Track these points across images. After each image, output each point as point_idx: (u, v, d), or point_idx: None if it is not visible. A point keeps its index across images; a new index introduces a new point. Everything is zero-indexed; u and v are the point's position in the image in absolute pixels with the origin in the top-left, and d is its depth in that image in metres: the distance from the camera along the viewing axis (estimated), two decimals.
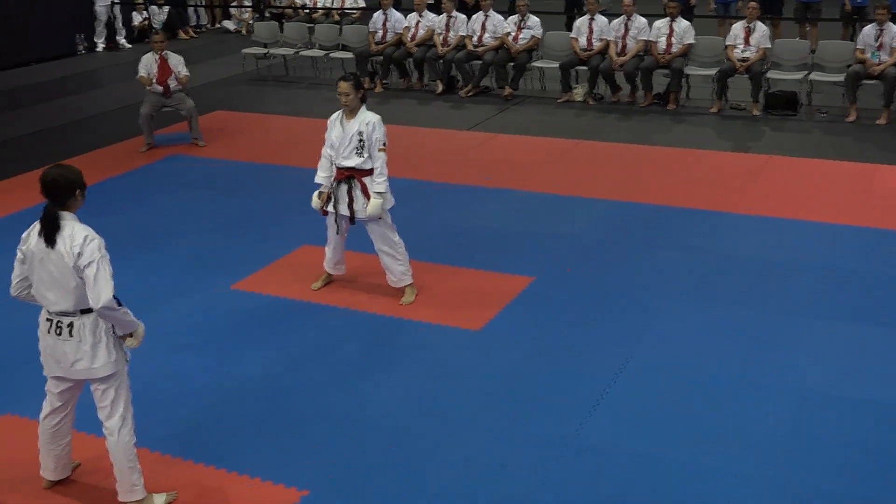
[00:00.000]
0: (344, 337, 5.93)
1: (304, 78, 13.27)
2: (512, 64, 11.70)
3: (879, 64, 10.07)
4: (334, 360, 5.63)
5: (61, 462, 4.36)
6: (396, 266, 6.32)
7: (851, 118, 10.24)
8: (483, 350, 5.70)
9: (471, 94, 11.92)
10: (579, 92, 11.50)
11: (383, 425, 4.94)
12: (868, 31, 10.25)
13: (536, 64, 11.78)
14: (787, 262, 6.76)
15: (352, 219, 6.23)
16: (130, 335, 4.07)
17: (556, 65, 11.53)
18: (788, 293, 6.30)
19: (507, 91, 11.70)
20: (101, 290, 3.84)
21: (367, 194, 6.13)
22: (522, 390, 5.24)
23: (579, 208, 7.97)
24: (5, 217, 7.73)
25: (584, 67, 11.39)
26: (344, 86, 6.10)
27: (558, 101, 11.52)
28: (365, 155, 6.09)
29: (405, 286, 6.38)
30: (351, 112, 6.13)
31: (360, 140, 6.08)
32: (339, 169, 6.18)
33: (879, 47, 10.14)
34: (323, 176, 6.27)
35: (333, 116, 6.24)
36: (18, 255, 4.09)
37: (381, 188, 6.11)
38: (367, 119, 6.11)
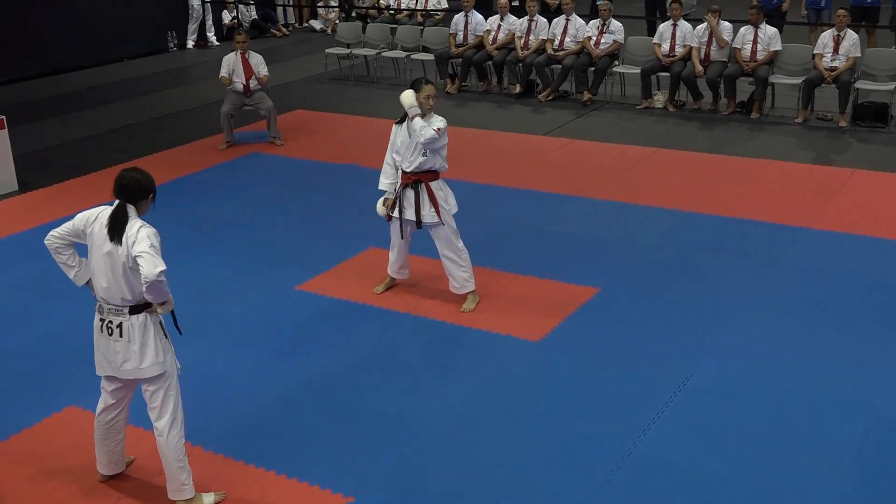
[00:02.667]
0: (403, 342, 5.92)
1: (386, 78, 13.31)
2: (592, 69, 11.52)
3: None
4: (393, 366, 5.61)
5: (115, 457, 4.44)
6: (459, 272, 6.27)
7: None
8: (542, 361, 5.62)
9: (550, 98, 11.79)
10: (660, 98, 11.28)
11: (438, 432, 4.91)
12: None
13: (617, 69, 11.58)
14: (864, 280, 6.51)
15: (418, 223, 6.20)
16: (163, 304, 4.09)
17: (637, 70, 11.31)
18: (864, 312, 6.06)
19: (587, 96, 11.54)
20: (154, 265, 3.87)
21: (433, 199, 6.09)
22: (581, 402, 5.15)
23: (652, 218, 7.79)
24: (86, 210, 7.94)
25: (666, 74, 11.15)
26: (432, 89, 6.04)
27: (638, 107, 11.31)
28: (428, 154, 6.05)
29: (467, 293, 6.32)
30: (424, 115, 6.08)
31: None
32: (405, 174, 6.15)
33: None
34: (387, 182, 6.26)
35: (398, 122, 6.20)
36: (80, 224, 4.14)
37: (440, 124, 5.97)
38: (436, 124, 6.05)
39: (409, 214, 6.20)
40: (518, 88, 11.99)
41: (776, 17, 12.57)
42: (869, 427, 4.82)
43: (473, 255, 6.35)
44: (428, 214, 6.13)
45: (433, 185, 6.11)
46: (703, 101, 11.14)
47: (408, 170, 6.13)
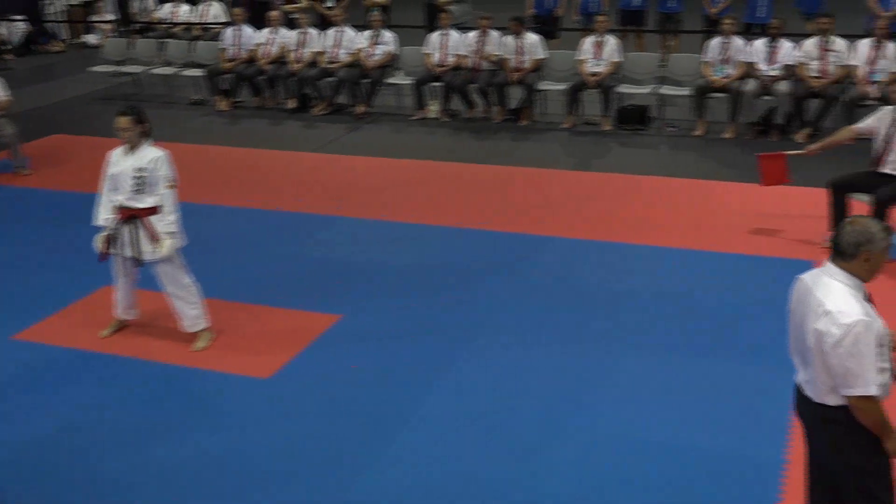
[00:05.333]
0: (126, 393, 5.51)
1: (157, 97, 12.72)
2: (366, 80, 11.36)
3: (724, 78, 10.00)
4: (111, 421, 5.20)
5: None
6: (189, 310, 5.93)
7: (699, 132, 10.18)
8: (270, 400, 5.35)
9: (324, 111, 11.55)
10: (434, 108, 11.23)
11: (157, 494, 4.55)
12: (714, 44, 10.19)
13: (391, 80, 11.47)
14: (620, 291, 6.54)
15: (139, 261, 5.81)
16: None
17: (411, 81, 11.24)
18: (618, 325, 6.06)
19: (361, 108, 11.37)
20: None
21: (153, 235, 5.72)
22: (301, 446, 4.91)
23: (410, 235, 7.68)
24: None
25: (439, 83, 11.12)
26: (122, 121, 5.67)
27: (413, 118, 11.24)
28: (146, 193, 5.68)
29: (200, 330, 5.99)
30: (132, 148, 5.71)
31: (141, 178, 5.66)
32: (121, 208, 5.75)
33: (725, 61, 10.08)
34: (104, 216, 5.84)
35: (114, 152, 5.81)
36: None
37: (172, 227, 5.71)
38: (150, 155, 5.69)
39: (128, 251, 5.81)
40: (292, 103, 11.69)
41: (550, 24, 12.78)
42: (609, 452, 4.78)
43: (213, 287, 6.07)
44: (148, 251, 5.75)
45: (152, 219, 5.74)
46: (475, 109, 11.16)
47: (123, 205, 5.73)
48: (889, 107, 6.92)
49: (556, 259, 7.15)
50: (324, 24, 12.39)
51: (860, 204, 6.95)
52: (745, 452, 4.70)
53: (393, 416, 5.15)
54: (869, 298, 3.39)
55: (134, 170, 5.66)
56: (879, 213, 6.65)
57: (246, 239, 7.69)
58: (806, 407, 3.54)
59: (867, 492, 3.48)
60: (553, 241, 7.47)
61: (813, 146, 7.28)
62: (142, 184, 5.67)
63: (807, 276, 3.50)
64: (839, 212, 6.99)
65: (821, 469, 3.64)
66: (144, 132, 5.75)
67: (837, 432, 3.41)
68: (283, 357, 5.78)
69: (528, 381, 5.45)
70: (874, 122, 6.96)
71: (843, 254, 3.34)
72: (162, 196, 5.68)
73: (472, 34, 11.06)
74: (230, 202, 8.56)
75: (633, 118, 10.53)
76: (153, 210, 5.73)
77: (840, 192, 6.95)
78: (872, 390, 3.26)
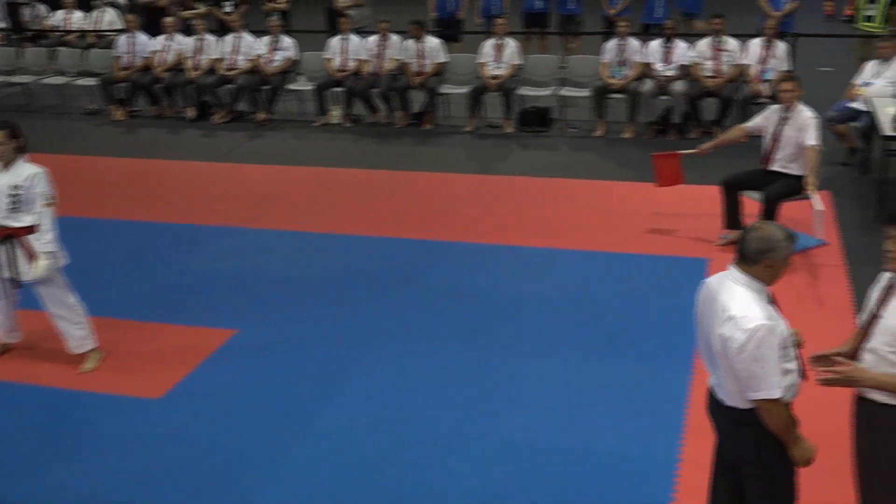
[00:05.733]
0: (11, 419, 5.25)
1: (49, 107, 12.29)
2: (266, 87, 11.17)
3: (621, 80, 10.11)
4: None
5: None
6: (74, 330, 5.70)
7: (600, 133, 10.28)
8: (161, 420, 5.17)
9: (224, 119, 11.32)
10: (336, 114, 11.11)
11: None
12: (611, 46, 10.30)
13: (292, 86, 11.31)
14: (522, 295, 6.52)
15: (17, 281, 5.56)
16: None
17: (313, 86, 11.10)
18: (521, 330, 6.03)
19: (262, 115, 11.17)
20: None
21: (31, 254, 5.48)
22: (195, 465, 4.75)
23: (317, 246, 7.53)
24: None
25: (340, 88, 11.00)
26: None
27: (314, 124, 11.09)
28: (23, 212, 5.44)
29: (87, 351, 5.77)
30: (6, 164, 5.46)
31: (17, 196, 5.42)
32: None
33: (622, 63, 10.19)
34: None
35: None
36: None
37: (50, 248, 5.47)
38: (25, 172, 5.45)
39: (6, 272, 5.55)
40: (191, 111, 11.43)
41: (452, 27, 12.76)
42: (510, 459, 4.74)
43: (101, 305, 5.89)
44: (26, 272, 5.51)
45: (30, 237, 5.49)
46: (378, 114, 11.08)
47: (0, 223, 5.48)
48: (776, 105, 7.06)
49: (459, 265, 7.12)
50: (222, 29, 12.14)
51: (752, 202, 7.09)
52: (641, 453, 4.72)
53: (291, 429, 5.03)
54: (772, 300, 3.40)
55: (9, 188, 5.41)
56: (769, 209, 6.78)
57: (139, 253, 7.46)
58: (718, 410, 3.54)
59: (772, 492, 3.50)
60: (456, 246, 7.44)
61: (705, 145, 7.40)
62: (17, 202, 5.42)
63: (711, 281, 3.50)
64: (732, 209, 7.11)
65: (729, 470, 3.64)
66: (19, 147, 5.50)
67: (749, 434, 3.41)
68: (175, 376, 5.60)
69: (430, 388, 5.39)
70: (762, 120, 7.09)
71: (747, 259, 3.35)
72: (39, 214, 5.44)
73: (373, 38, 10.98)
74: (123, 216, 8.30)
75: (535, 120, 10.58)
76: (31, 229, 5.49)
77: (732, 191, 7.07)
78: (776, 393, 3.27)
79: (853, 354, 3.56)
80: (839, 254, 6.95)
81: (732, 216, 7.11)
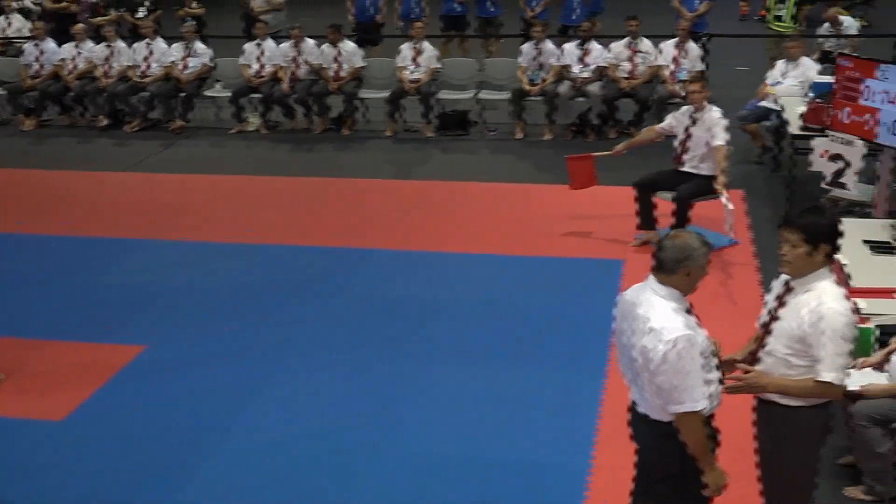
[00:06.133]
0: None
1: None
2: (181, 94, 10.94)
3: (538, 84, 10.12)
4: None
5: None
6: None
7: (518, 135, 10.29)
8: (64, 443, 4.99)
9: (138, 128, 11.06)
10: (253, 121, 10.93)
11: None
12: (527, 49, 10.31)
13: (207, 93, 11.10)
14: (440, 302, 6.46)
15: None
16: None
17: (228, 93, 10.91)
18: (438, 337, 5.97)
19: (177, 124, 10.94)
20: None
21: None
22: (99, 488, 4.59)
23: (232, 256, 7.36)
24: None
25: (257, 95, 10.83)
26: None
27: (232, 131, 10.90)
28: None
29: None
30: None
31: None
32: None
33: (539, 66, 10.21)
34: None
35: None
36: None
37: None
38: None
39: None
40: (103, 120, 11.14)
41: (372, 30, 12.66)
42: (418, 470, 4.67)
43: (10, 323, 5.65)
44: None
45: None
46: (296, 120, 10.94)
47: None
48: (686, 106, 7.13)
49: (377, 272, 7.04)
50: (134, 36, 11.86)
51: (666, 202, 7.14)
52: (552, 461, 4.70)
53: (199, 447, 4.90)
54: (691, 310, 3.37)
55: None
56: (681, 209, 6.85)
57: (41, 269, 7.20)
58: (641, 424, 3.45)
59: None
60: (374, 253, 7.36)
61: (618, 147, 7.43)
62: None
63: (629, 293, 3.44)
64: (646, 210, 7.16)
65: (652, 484, 3.53)
66: None
67: (675, 446, 3.33)
68: (79, 396, 5.41)
69: (342, 400, 5.31)
70: (673, 121, 7.16)
71: (664, 269, 3.29)
72: None
73: (288, 44, 10.83)
74: (31, 230, 8.03)
75: (455, 124, 10.56)
76: None
77: (645, 191, 7.12)
78: (700, 405, 3.21)
79: (752, 357, 3.58)
80: (751, 253, 7.04)
81: (646, 216, 7.15)
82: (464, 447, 4.85)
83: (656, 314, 3.23)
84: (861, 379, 4.32)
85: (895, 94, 5.84)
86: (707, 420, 3.34)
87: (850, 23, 10.12)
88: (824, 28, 10.46)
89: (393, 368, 5.64)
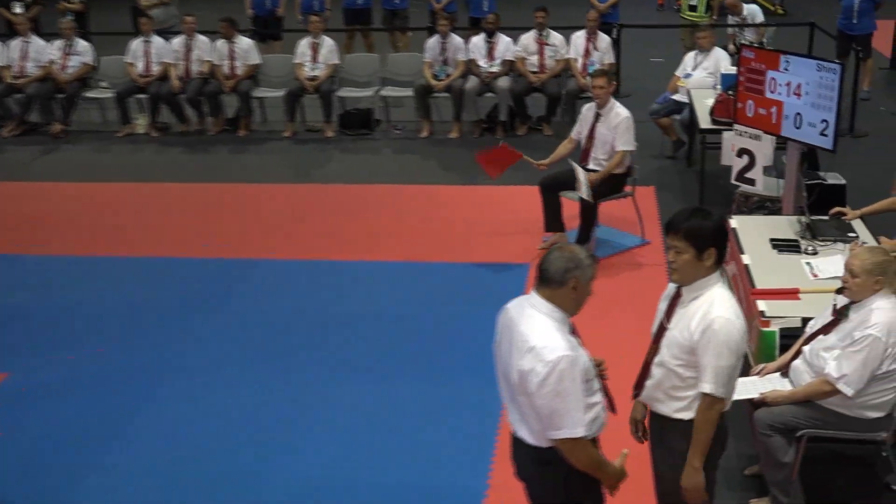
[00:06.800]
0: None
1: None
2: (61, 95, 10.56)
3: (443, 80, 10.02)
4: None
5: None
6: None
7: (425, 133, 10.18)
8: None
9: (14, 133, 10.65)
10: (141, 123, 10.62)
11: None
12: (433, 43, 10.20)
13: (90, 94, 10.74)
14: (338, 314, 6.37)
15: None
16: None
17: (112, 94, 10.58)
18: (335, 352, 5.90)
19: (57, 127, 10.55)
20: None
21: None
22: None
23: (111, 272, 7.13)
24: None
25: (144, 95, 10.52)
26: None
27: (118, 134, 10.56)
28: None
29: None
30: None
31: None
32: None
33: (445, 61, 10.10)
34: None
35: None
36: None
37: None
38: None
39: None
40: None
41: (272, 25, 12.42)
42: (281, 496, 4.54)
43: None
44: None
45: None
46: (188, 121, 10.67)
47: None
48: (591, 103, 7.09)
49: (270, 284, 6.90)
50: (9, 33, 11.41)
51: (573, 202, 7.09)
52: (448, 482, 4.62)
53: (64, 481, 4.68)
54: (574, 330, 3.27)
55: None
56: (587, 210, 6.79)
57: None
58: (520, 450, 3.35)
59: None
60: (269, 263, 7.20)
61: (543, 162, 7.21)
62: None
63: (511, 307, 3.33)
64: (552, 211, 7.10)
65: None
66: None
67: (555, 474, 3.25)
68: None
69: (226, 423, 5.17)
70: (579, 124, 7.13)
71: (550, 281, 3.18)
72: None
73: (178, 40, 10.54)
74: None
75: (357, 123, 10.40)
76: None
77: (550, 191, 7.06)
78: (580, 432, 3.12)
79: (645, 372, 3.51)
80: (661, 253, 7.03)
81: (553, 217, 7.09)
82: (353, 470, 4.75)
83: (537, 332, 3.13)
84: (764, 386, 4.30)
85: (799, 85, 5.87)
86: (594, 442, 3.27)
87: (752, 10, 10.19)
88: (730, 18, 10.54)
89: (282, 388, 5.49)
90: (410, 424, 5.10)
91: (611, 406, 3.38)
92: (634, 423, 3.71)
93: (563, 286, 3.17)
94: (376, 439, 4.98)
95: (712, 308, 3.27)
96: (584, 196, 6.61)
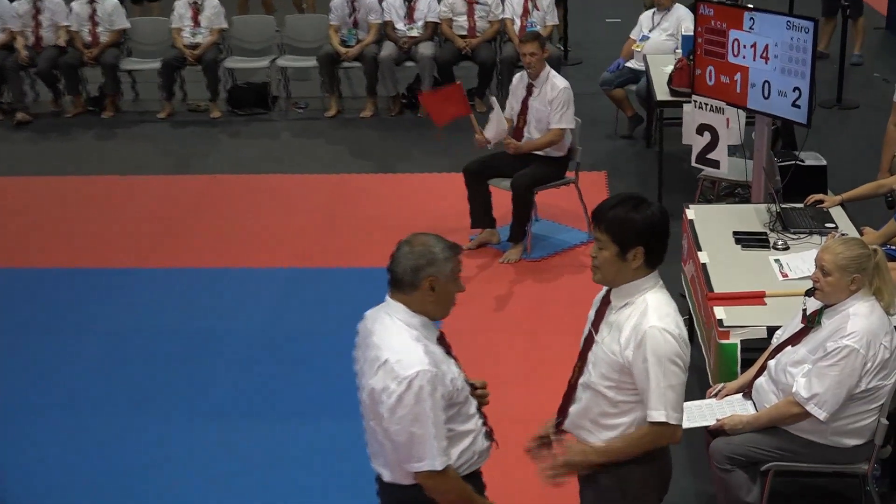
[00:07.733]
0: None
1: None
2: None
3: (352, 46, 9.95)
4: None
5: None
6: None
7: (332, 113, 10.13)
8: None
9: None
10: None
11: None
12: (339, 3, 10.12)
13: None
14: (208, 334, 6.35)
15: None
16: None
17: None
18: (197, 384, 5.85)
19: None
20: None
21: None
22: None
23: None
24: None
25: None
26: None
27: None
28: None
29: None
30: None
31: None
32: None
33: (355, 24, 10.04)
34: None
35: None
36: None
37: None
38: None
39: None
40: None
41: None
42: None
43: None
44: None
45: None
46: (40, 101, 10.64)
47: None
48: (521, 73, 7.07)
49: (133, 299, 6.87)
50: None
51: (501, 191, 7.05)
52: None
53: None
54: (442, 340, 3.22)
55: None
56: (520, 200, 6.77)
57: None
58: (381, 492, 3.31)
59: None
60: (137, 273, 7.19)
61: (487, 135, 7.14)
62: None
63: (368, 315, 3.28)
64: (479, 203, 7.08)
65: None
66: None
67: None
68: None
69: (64, 470, 5.09)
70: (510, 98, 7.11)
71: (402, 283, 3.14)
72: None
73: (23, 1, 10.36)
74: None
75: (250, 100, 10.37)
76: None
77: (476, 179, 7.03)
78: (439, 464, 3.06)
79: (570, 396, 3.45)
80: None
81: (480, 211, 7.07)
82: None
83: (391, 344, 3.09)
84: (722, 410, 4.28)
85: (766, 47, 5.88)
86: (473, 478, 3.23)
87: None
88: None
89: (134, 427, 5.46)
90: (286, 471, 5.07)
91: (489, 435, 3.33)
92: (538, 445, 3.58)
93: (416, 288, 3.14)
94: (252, 486, 4.96)
95: (644, 318, 3.20)
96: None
